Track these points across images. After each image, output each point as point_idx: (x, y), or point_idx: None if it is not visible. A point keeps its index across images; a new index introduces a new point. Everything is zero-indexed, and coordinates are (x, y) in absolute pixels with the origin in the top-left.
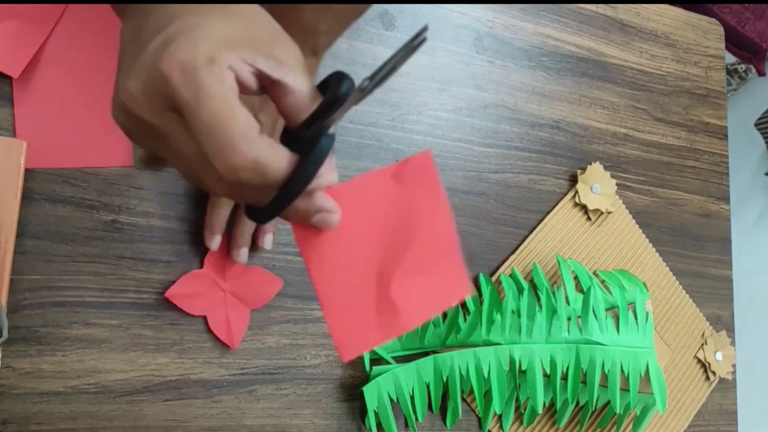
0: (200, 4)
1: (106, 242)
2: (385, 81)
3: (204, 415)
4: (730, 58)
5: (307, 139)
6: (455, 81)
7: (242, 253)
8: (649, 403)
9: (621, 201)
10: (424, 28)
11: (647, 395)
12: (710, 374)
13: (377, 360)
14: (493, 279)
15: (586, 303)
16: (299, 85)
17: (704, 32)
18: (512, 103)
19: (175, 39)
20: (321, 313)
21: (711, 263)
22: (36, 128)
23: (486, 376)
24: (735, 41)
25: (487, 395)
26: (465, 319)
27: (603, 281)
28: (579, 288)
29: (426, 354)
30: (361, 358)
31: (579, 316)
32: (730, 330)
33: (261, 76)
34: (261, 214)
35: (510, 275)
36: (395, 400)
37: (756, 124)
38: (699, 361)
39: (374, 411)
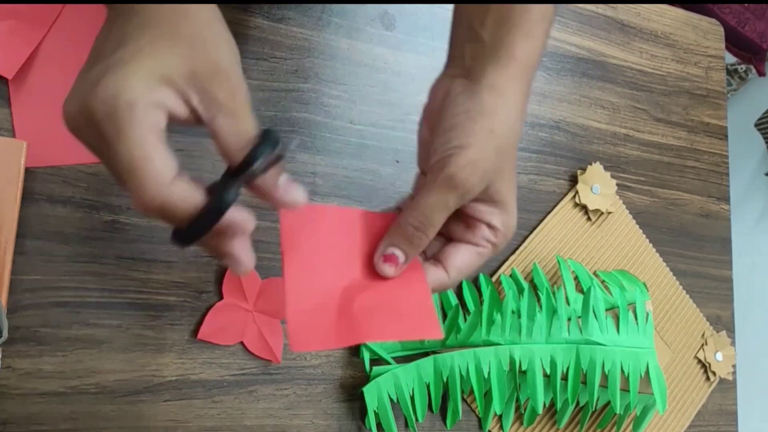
0: (164, 12)
1: (106, 242)
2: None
3: (204, 415)
4: (730, 59)
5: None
6: None
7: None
8: (649, 403)
9: (621, 201)
10: (293, 140)
11: (647, 395)
12: (710, 374)
13: (377, 360)
14: (493, 279)
15: (586, 303)
16: (226, 129)
17: (704, 32)
18: None
19: (109, 72)
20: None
21: (711, 263)
22: (35, 128)
23: (486, 376)
24: (735, 41)
25: (487, 395)
26: (465, 320)
27: (603, 281)
28: (579, 288)
29: (426, 354)
30: (361, 359)
31: (579, 317)
32: (731, 330)
33: (193, 112)
34: (177, 240)
35: (510, 275)
36: (395, 401)
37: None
38: (699, 361)
39: (374, 411)
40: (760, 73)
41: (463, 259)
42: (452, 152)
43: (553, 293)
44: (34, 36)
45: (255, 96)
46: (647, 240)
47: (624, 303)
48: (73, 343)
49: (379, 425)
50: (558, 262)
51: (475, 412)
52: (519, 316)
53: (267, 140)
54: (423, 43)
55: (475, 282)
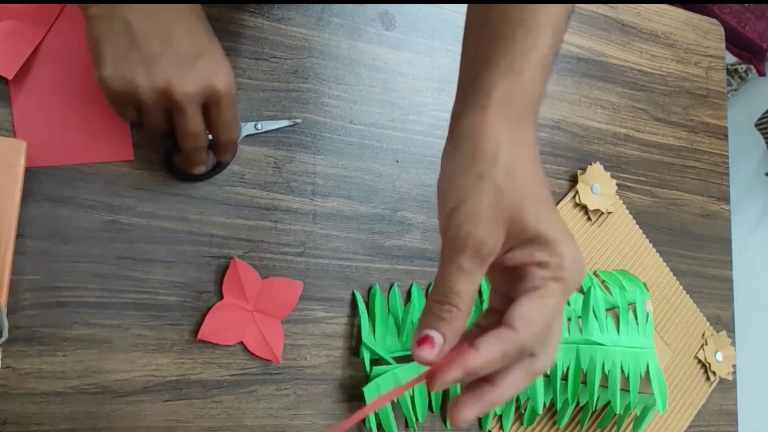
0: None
1: (106, 242)
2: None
3: (204, 415)
4: (731, 59)
5: None
6: (455, 81)
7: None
8: (649, 403)
9: (621, 201)
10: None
11: (647, 395)
12: (710, 374)
13: (377, 360)
14: None
15: (586, 303)
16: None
17: (704, 32)
18: None
19: (204, 61)
20: (322, 315)
21: (711, 263)
22: (35, 128)
23: None
24: (735, 41)
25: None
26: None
27: (603, 281)
28: (579, 288)
29: None
30: (361, 359)
31: (579, 317)
32: (731, 330)
33: None
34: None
35: None
36: (396, 401)
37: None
38: (699, 361)
39: (375, 411)
40: (760, 73)
41: (525, 306)
42: (449, 216)
43: None
44: (34, 36)
45: (255, 96)
46: (647, 240)
47: (624, 303)
48: (73, 343)
49: (379, 425)
50: None
51: None
52: None
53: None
54: (423, 43)
55: None
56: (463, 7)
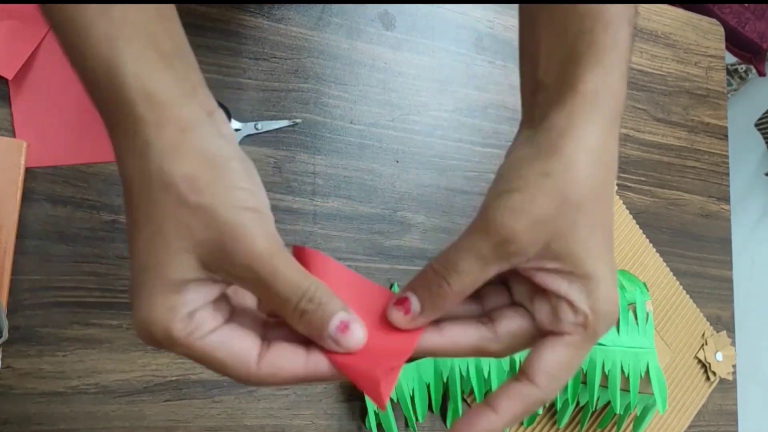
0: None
1: (106, 242)
2: None
3: (204, 415)
4: (731, 59)
5: None
6: (455, 81)
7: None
8: (649, 403)
9: (621, 201)
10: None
11: (647, 395)
12: (710, 374)
13: None
14: None
15: None
16: (259, 297)
17: (704, 32)
18: (513, 103)
19: (135, 306)
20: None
21: (711, 263)
22: (35, 128)
23: (486, 376)
24: (735, 41)
25: (488, 395)
26: None
27: None
28: None
29: None
30: None
31: None
32: (731, 330)
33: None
34: None
35: None
36: (395, 401)
37: (756, 125)
38: (699, 361)
39: (374, 411)
40: (760, 73)
41: (550, 360)
42: (495, 197)
43: None
44: (34, 36)
45: (255, 96)
46: (647, 240)
47: (624, 303)
48: (72, 343)
49: (379, 425)
50: None
51: None
52: None
53: None
54: (423, 43)
55: None
56: (463, 7)
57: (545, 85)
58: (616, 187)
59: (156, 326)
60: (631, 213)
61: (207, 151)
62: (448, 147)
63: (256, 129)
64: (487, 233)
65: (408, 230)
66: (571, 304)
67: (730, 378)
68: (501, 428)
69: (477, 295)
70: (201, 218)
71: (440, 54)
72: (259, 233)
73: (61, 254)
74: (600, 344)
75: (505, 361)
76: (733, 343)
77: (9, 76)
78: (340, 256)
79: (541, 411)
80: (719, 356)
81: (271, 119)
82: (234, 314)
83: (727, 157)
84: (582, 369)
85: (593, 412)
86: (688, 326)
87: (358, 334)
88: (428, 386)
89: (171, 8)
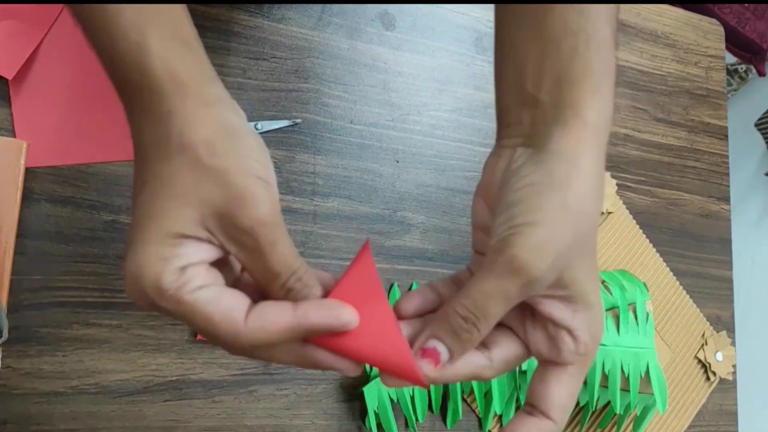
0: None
1: (106, 242)
2: None
3: (204, 415)
4: (731, 59)
5: None
6: (455, 81)
7: None
8: (649, 403)
9: (621, 201)
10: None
11: (647, 396)
12: (710, 374)
13: None
14: None
15: None
16: (251, 266)
17: (704, 32)
18: None
19: (128, 259)
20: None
21: (711, 263)
22: (35, 128)
23: None
24: (735, 41)
25: (488, 395)
26: None
27: (603, 281)
28: None
29: None
30: None
31: None
32: (731, 330)
33: (224, 248)
34: None
35: None
36: (395, 401)
37: (756, 125)
38: (699, 361)
39: (374, 411)
40: (760, 73)
41: (560, 393)
42: (516, 231)
43: None
44: (34, 36)
45: (255, 96)
46: (647, 240)
47: (624, 303)
48: (73, 343)
49: (379, 425)
50: None
51: (475, 412)
52: None
53: None
54: (423, 43)
55: None
56: (463, 7)
57: (540, 101)
58: (615, 188)
59: (146, 276)
60: (631, 213)
61: (227, 122)
62: (448, 147)
63: (256, 129)
64: (516, 274)
65: (408, 230)
66: (572, 334)
67: (730, 378)
68: None
69: None
70: (213, 178)
71: (440, 54)
72: (266, 201)
73: (61, 254)
74: (600, 344)
75: None
76: (733, 343)
77: (9, 76)
78: (340, 256)
79: None
80: (719, 356)
81: (271, 119)
82: (237, 284)
83: (727, 157)
84: None
85: (593, 412)
86: (688, 326)
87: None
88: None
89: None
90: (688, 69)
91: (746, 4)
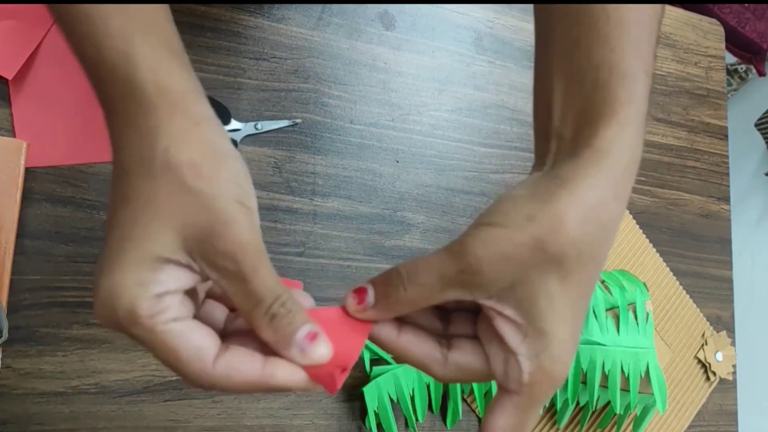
0: (141, 178)
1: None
2: None
3: (204, 415)
4: (731, 59)
5: None
6: (455, 81)
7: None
8: (649, 403)
9: None
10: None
11: (647, 395)
12: (710, 374)
13: (377, 360)
14: None
15: None
16: (232, 292)
17: (704, 32)
18: (512, 103)
19: (99, 283)
20: None
21: (711, 263)
22: (35, 128)
23: None
24: (735, 41)
25: (488, 395)
26: None
27: (603, 281)
28: None
29: None
30: (361, 359)
31: None
32: (731, 330)
33: (202, 274)
34: None
35: None
36: (395, 401)
37: (756, 125)
38: (699, 361)
39: (374, 411)
40: (760, 73)
41: (501, 423)
42: (476, 226)
43: None
44: (34, 36)
45: (255, 96)
46: (647, 240)
47: (624, 303)
48: (73, 343)
49: (379, 425)
50: None
51: (475, 412)
52: None
53: None
54: (423, 43)
55: None
56: (463, 7)
57: (562, 135)
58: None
59: (121, 300)
60: (631, 213)
61: (214, 144)
62: (448, 147)
63: (256, 129)
64: (455, 257)
65: (408, 230)
66: (517, 360)
67: (730, 378)
68: None
69: (445, 316)
70: (196, 201)
71: (440, 54)
72: (248, 227)
73: (61, 254)
74: (600, 344)
75: None
76: (733, 343)
77: (9, 76)
78: (340, 256)
79: (541, 411)
80: (719, 356)
81: (271, 119)
82: (198, 315)
83: (727, 157)
84: (582, 369)
85: (593, 412)
86: (688, 326)
87: (323, 348)
88: (428, 386)
89: (168, 10)
90: (688, 69)
91: (746, 4)
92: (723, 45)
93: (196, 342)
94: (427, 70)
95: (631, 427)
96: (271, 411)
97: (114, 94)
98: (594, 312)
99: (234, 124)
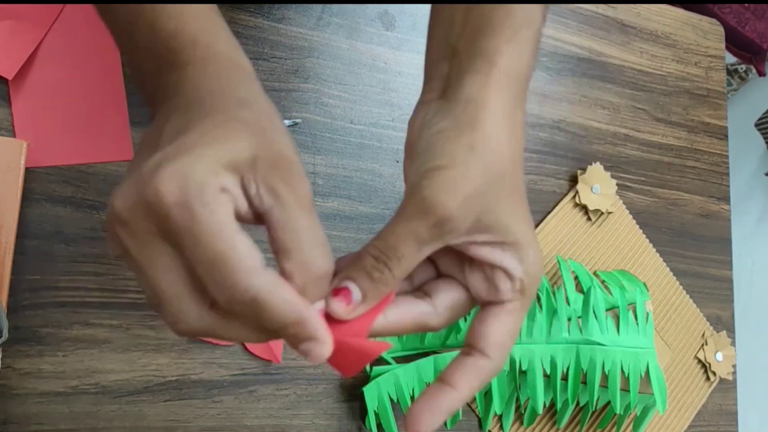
0: (224, 101)
1: (106, 242)
2: None
3: (204, 415)
4: (731, 59)
5: None
6: None
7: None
8: (649, 403)
9: (621, 201)
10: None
11: (647, 396)
12: (710, 374)
13: (377, 360)
14: None
15: (586, 303)
16: (281, 223)
17: (704, 32)
18: None
19: (170, 159)
20: None
21: (711, 263)
22: (35, 128)
23: None
24: (735, 41)
25: (488, 395)
26: (465, 320)
27: (603, 281)
28: (579, 288)
29: (426, 354)
30: None
31: (579, 317)
32: (731, 330)
33: (251, 203)
34: None
35: None
36: (396, 401)
37: (756, 125)
38: (699, 361)
39: (375, 411)
40: (760, 73)
41: (497, 331)
42: (425, 175)
43: (553, 293)
44: (34, 36)
45: None
46: (647, 240)
47: (624, 303)
48: (73, 343)
49: (379, 425)
50: (558, 262)
51: (475, 412)
52: None
53: None
54: (423, 43)
55: None
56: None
57: (458, 51)
58: (615, 188)
59: (191, 178)
60: (631, 213)
61: (269, 105)
62: None
63: None
64: (425, 214)
65: None
66: (507, 272)
67: (730, 378)
68: (461, 404)
69: None
70: (269, 138)
71: None
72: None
73: (61, 254)
74: (600, 344)
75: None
76: (733, 343)
77: (9, 76)
78: (340, 255)
79: (540, 411)
80: (719, 356)
81: None
82: None
83: (727, 157)
84: (582, 369)
85: (593, 412)
86: (688, 326)
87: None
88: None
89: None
90: (688, 69)
91: (746, 4)
92: (723, 45)
93: (247, 244)
94: None
95: (631, 427)
96: (271, 411)
97: (191, 56)
98: (594, 312)
99: None
